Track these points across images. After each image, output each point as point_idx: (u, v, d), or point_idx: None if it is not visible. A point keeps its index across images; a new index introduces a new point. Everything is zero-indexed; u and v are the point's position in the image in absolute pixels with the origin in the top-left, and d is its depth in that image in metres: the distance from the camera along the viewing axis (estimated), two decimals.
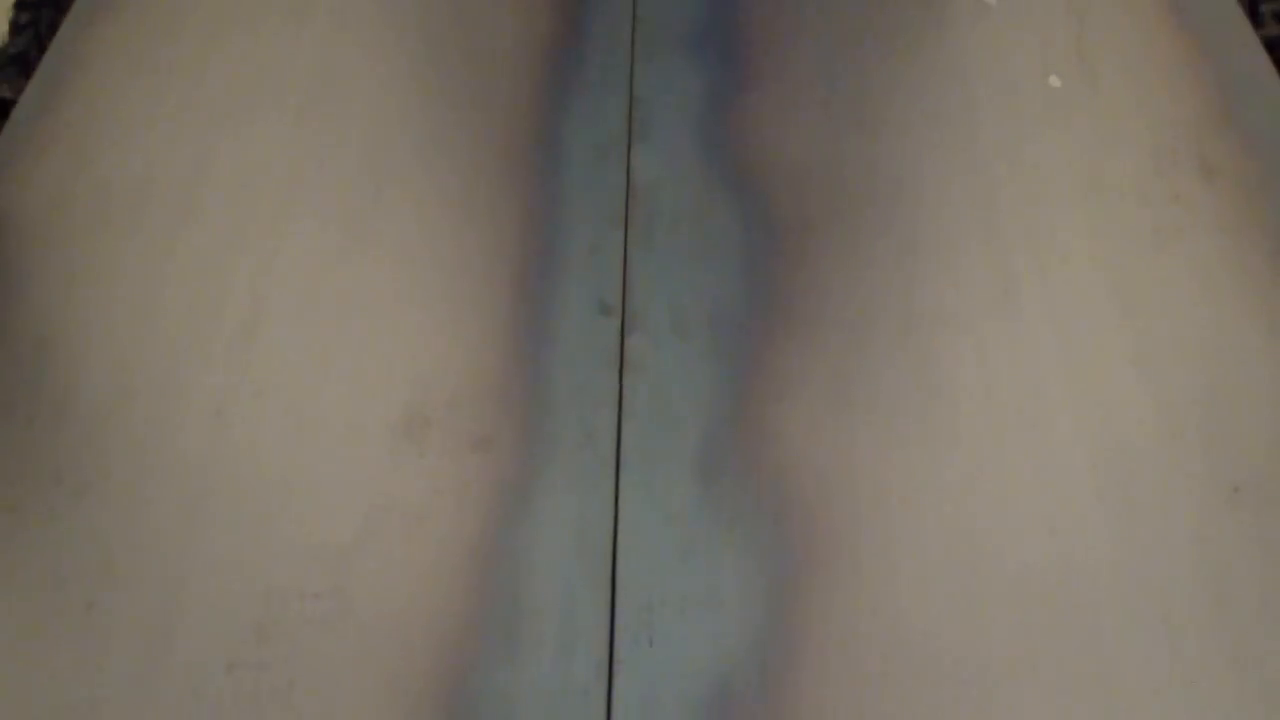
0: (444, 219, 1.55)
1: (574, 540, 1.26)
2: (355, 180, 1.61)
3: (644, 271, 1.48)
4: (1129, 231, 1.50)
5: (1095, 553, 1.24)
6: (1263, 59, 1.72)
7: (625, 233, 1.52)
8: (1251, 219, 1.51)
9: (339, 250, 1.52)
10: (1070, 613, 1.20)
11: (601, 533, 1.26)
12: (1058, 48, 1.75)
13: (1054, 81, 1.69)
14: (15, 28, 2.05)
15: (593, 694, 1.17)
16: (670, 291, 1.45)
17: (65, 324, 1.47)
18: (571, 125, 1.66)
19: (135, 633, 1.21)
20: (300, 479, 1.31)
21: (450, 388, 1.38)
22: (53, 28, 2.01)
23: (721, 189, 1.56)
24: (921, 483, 1.29)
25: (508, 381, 1.38)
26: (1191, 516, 1.26)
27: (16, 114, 1.78)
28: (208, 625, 1.21)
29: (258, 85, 1.77)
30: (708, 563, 1.24)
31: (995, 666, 1.17)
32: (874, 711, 1.15)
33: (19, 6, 2.08)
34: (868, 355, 1.39)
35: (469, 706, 1.16)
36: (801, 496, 1.28)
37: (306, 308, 1.46)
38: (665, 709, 1.15)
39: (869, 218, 1.52)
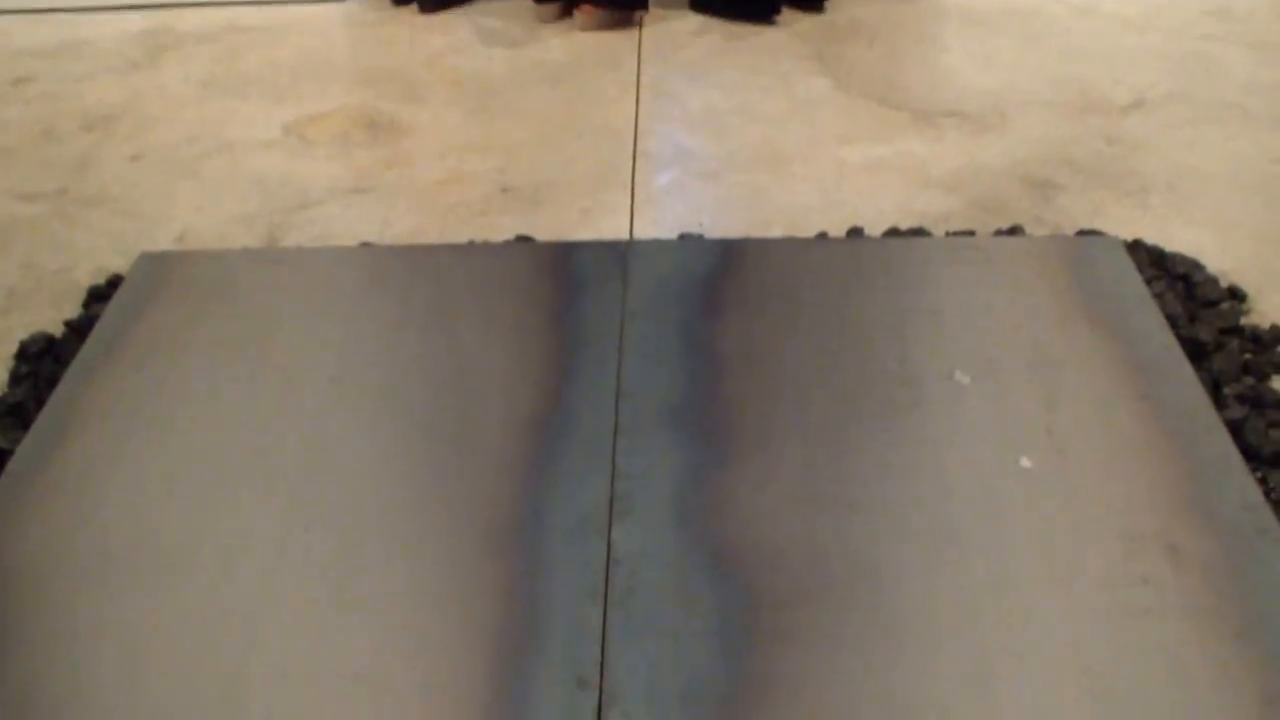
0: (425, 591, 1.59)
1: None
2: (340, 550, 1.66)
3: (622, 647, 1.51)
4: (1100, 614, 1.54)
5: None
6: (1227, 441, 1.81)
7: (604, 608, 1.56)
8: (1218, 601, 1.56)
9: (321, 620, 1.56)
10: None
11: None
12: (1029, 430, 1.84)
13: (1025, 463, 1.77)
14: (14, 378, 2.14)
15: None
16: (648, 667, 1.48)
17: (52, 677, 1.49)
18: (554, 500, 1.73)
19: None
20: None
21: None
22: (52, 380, 2.10)
23: (701, 566, 1.61)
24: None
25: None
26: None
27: (13, 465, 1.84)
28: None
29: (253, 447, 1.84)
30: None
31: None
32: None
33: (19, 357, 2.17)
34: None
35: None
36: None
37: (290, 675, 1.49)
38: None
39: (846, 598, 1.57)
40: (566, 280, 2.19)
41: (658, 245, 2.31)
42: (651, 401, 1.90)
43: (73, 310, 2.32)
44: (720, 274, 2.20)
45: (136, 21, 3.59)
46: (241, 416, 1.91)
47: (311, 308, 2.16)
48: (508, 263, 2.24)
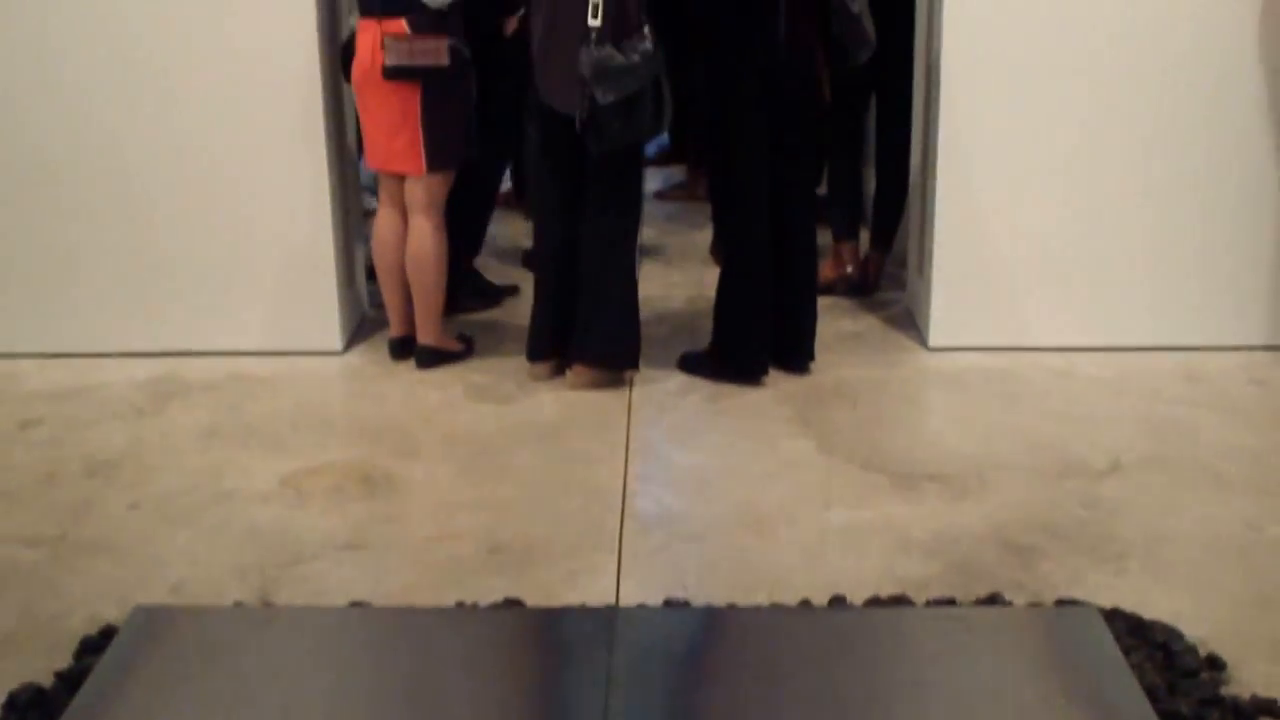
0: None
1: None
2: None
3: None
4: None
5: None
6: None
7: None
8: None
9: None
10: None
11: None
12: None
13: None
14: None
15: None
16: None
17: None
18: None
19: None
20: None
21: None
22: None
23: None
24: None
25: None
26: None
27: None
28: None
29: None
30: None
31: None
32: None
33: (7, 707, 2.19)
34: None
35: None
36: None
37: None
38: None
39: None
40: (552, 647, 2.25)
41: (643, 613, 2.37)
42: None
43: (64, 660, 2.34)
44: (705, 643, 2.26)
45: (146, 368, 3.76)
46: None
47: (301, 671, 2.20)
48: (495, 629, 2.31)
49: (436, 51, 3.45)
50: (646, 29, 3.29)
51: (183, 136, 3.71)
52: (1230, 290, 3.81)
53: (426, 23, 3.45)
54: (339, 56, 3.72)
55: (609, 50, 3.24)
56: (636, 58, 3.25)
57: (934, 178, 3.77)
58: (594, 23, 3.24)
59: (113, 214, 3.78)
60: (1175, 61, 3.63)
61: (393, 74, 3.46)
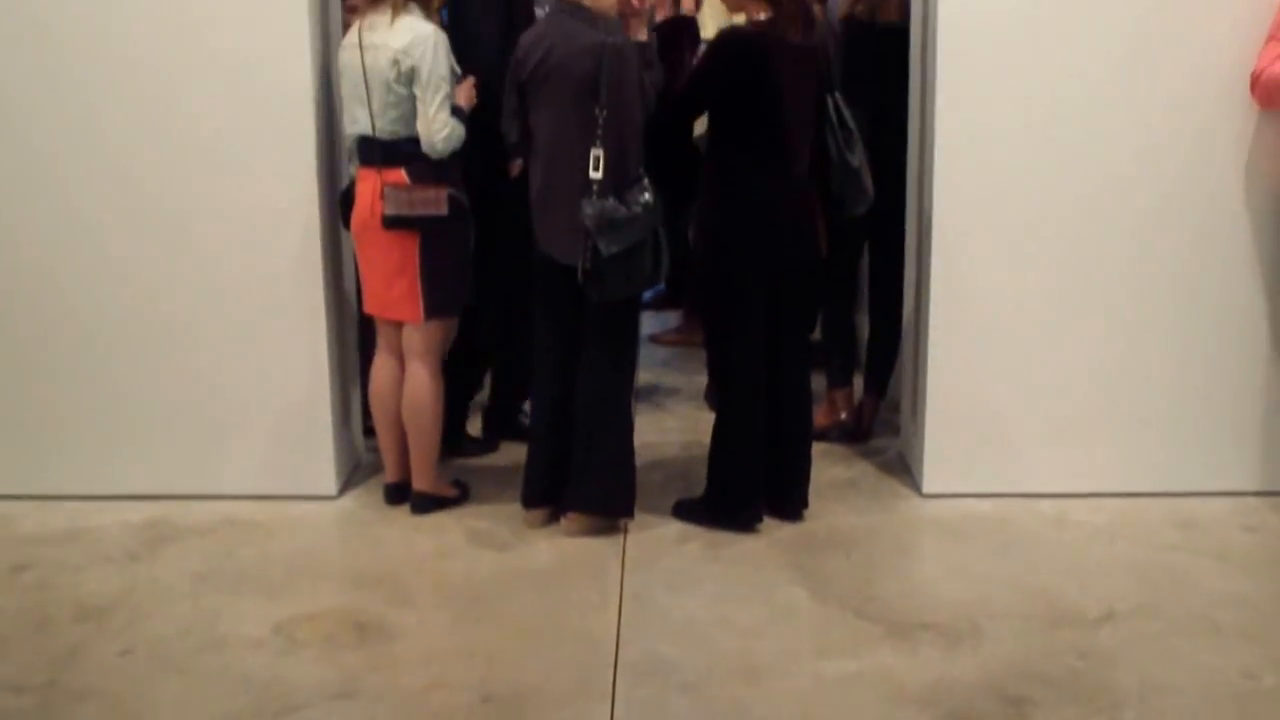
0: None
1: None
2: None
3: None
4: None
5: None
6: None
7: None
8: None
9: None
10: None
11: None
12: None
13: None
14: None
15: None
16: None
17: None
18: None
19: None
20: None
21: None
22: None
23: None
24: None
25: None
26: None
27: None
28: None
29: None
30: None
31: None
32: None
33: None
34: None
35: None
36: None
37: None
38: None
39: None
40: None
41: None
42: None
43: None
44: None
45: (140, 511, 3.76)
46: None
47: None
48: None
49: (436, 201, 3.53)
50: (645, 179, 3.38)
51: (182, 281, 3.77)
52: (1221, 436, 3.85)
53: (426, 172, 3.55)
54: (338, 204, 3.79)
55: (612, 202, 3.32)
56: (638, 209, 3.34)
57: (926, 324, 3.83)
58: (596, 175, 3.33)
59: (107, 356, 3.81)
60: (1163, 210, 3.72)
61: (392, 223, 3.54)
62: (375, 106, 3.55)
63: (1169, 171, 3.70)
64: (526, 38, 3.51)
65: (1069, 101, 3.66)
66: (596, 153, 3.32)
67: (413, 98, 3.52)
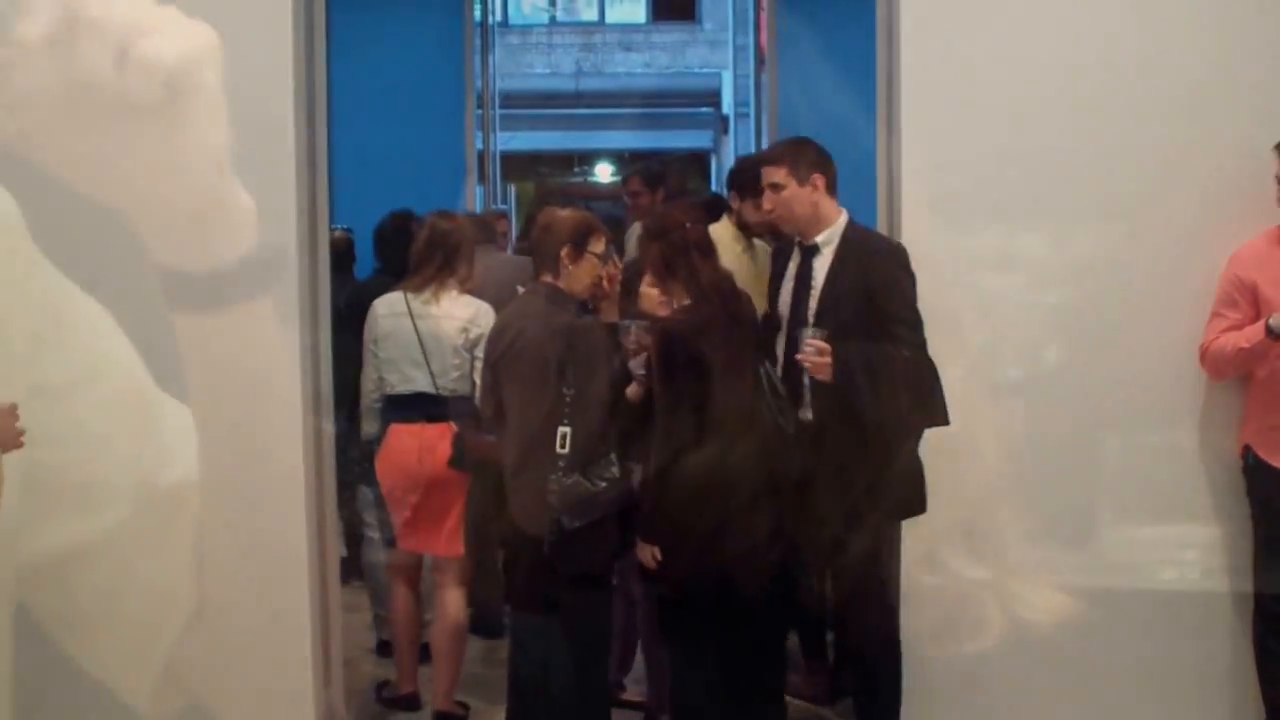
0: None
1: None
2: None
3: None
4: None
5: None
6: None
7: None
8: None
9: None
10: None
11: None
12: None
13: None
14: None
15: None
16: None
17: None
18: None
19: None
20: None
21: None
22: None
23: None
24: None
25: None
26: None
27: None
28: None
29: None
30: None
31: None
32: None
33: None
34: None
35: None
36: None
37: None
38: None
39: None
40: None
41: None
42: None
43: None
44: None
45: None
46: None
47: None
48: None
49: (492, 445, 3.91)
50: (613, 455, 3.53)
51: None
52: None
53: (475, 421, 4.04)
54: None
55: (576, 479, 3.48)
56: (603, 484, 3.49)
57: None
58: (562, 451, 3.49)
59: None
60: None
61: (464, 465, 4.02)
62: (436, 367, 4.06)
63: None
64: (501, 318, 3.74)
65: None
66: (564, 430, 3.48)
67: (472, 360, 4.06)
